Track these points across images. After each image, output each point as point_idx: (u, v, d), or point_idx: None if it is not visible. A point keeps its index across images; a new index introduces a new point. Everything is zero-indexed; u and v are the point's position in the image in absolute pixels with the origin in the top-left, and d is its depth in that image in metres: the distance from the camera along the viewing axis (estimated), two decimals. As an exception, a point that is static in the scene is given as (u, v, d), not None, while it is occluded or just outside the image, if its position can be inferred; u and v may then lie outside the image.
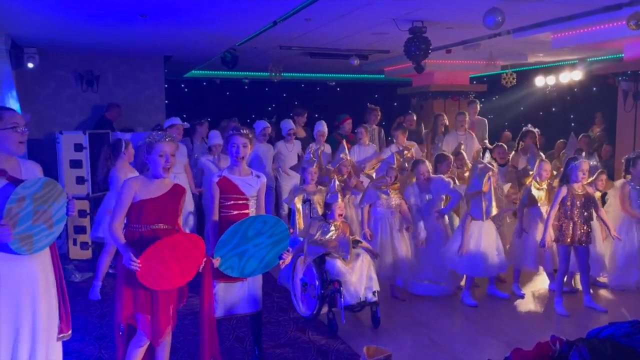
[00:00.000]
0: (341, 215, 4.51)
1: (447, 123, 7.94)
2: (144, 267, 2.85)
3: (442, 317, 4.75)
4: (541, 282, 5.68)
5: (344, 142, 6.14)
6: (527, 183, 5.27)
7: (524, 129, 6.74)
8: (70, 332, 2.95)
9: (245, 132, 3.59)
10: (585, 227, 4.72)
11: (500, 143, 6.49)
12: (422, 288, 5.21)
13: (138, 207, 3.02)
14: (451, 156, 5.75)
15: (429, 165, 5.26)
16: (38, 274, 2.70)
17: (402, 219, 5.10)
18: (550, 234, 4.82)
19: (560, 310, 4.77)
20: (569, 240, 4.71)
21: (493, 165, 5.07)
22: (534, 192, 5.13)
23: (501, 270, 5.15)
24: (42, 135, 7.89)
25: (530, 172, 5.30)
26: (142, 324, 3.06)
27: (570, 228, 4.70)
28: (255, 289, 3.68)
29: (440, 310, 4.89)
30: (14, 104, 6.69)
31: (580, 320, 4.63)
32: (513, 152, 6.75)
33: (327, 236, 4.45)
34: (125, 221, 3.08)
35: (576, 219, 4.69)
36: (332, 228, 4.48)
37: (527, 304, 5.11)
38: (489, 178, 4.87)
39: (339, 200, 4.50)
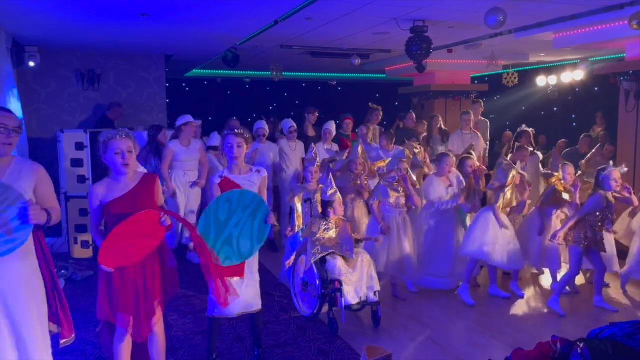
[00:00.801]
0: (341, 210, 4.52)
1: (442, 125, 7.92)
2: (110, 255, 2.85)
3: (443, 317, 4.74)
4: (543, 282, 5.68)
5: (360, 141, 6.15)
6: (553, 183, 5.29)
7: (518, 129, 6.74)
8: (73, 336, 2.94)
9: (239, 132, 3.59)
10: (602, 233, 4.73)
11: (522, 145, 6.48)
12: (429, 281, 5.25)
13: (110, 209, 3.00)
14: (452, 155, 5.73)
15: (453, 160, 5.34)
16: (11, 279, 2.64)
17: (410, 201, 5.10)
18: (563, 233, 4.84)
19: (557, 309, 4.76)
20: (585, 244, 4.70)
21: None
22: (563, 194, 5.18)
23: (512, 267, 5.15)
24: (44, 134, 7.89)
25: (555, 174, 5.32)
26: (121, 322, 3.06)
27: (592, 233, 4.68)
28: (254, 288, 3.67)
29: (441, 310, 4.89)
30: (15, 102, 6.70)
31: (581, 320, 4.62)
32: (510, 153, 6.76)
33: (329, 234, 4.45)
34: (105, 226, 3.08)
35: (600, 225, 4.69)
36: (332, 225, 4.49)
37: (528, 304, 5.10)
38: (514, 175, 5.00)
39: (338, 195, 4.52)
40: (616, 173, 4.65)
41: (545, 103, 11.81)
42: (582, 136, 7.73)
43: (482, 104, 8.20)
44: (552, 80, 10.50)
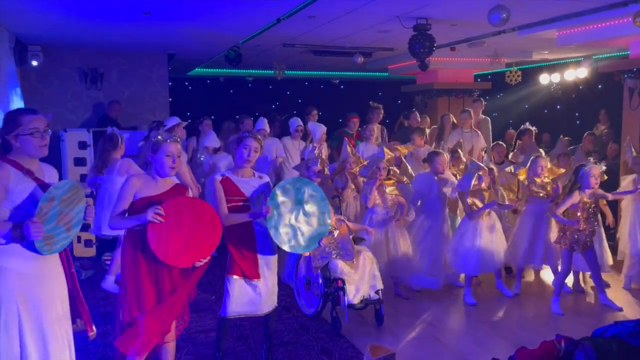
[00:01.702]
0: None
1: (455, 121, 7.93)
2: (162, 223, 2.88)
3: (446, 316, 4.74)
4: (546, 281, 5.66)
5: (346, 140, 6.14)
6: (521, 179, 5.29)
7: (522, 127, 6.73)
8: (95, 330, 2.98)
9: (259, 137, 3.60)
10: (589, 231, 4.69)
11: (499, 142, 6.47)
12: (418, 280, 5.20)
13: (139, 206, 3.01)
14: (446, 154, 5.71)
15: (446, 158, 5.34)
16: (51, 274, 2.72)
17: (399, 209, 5.04)
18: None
19: (555, 309, 4.75)
20: (573, 245, 4.70)
21: (487, 166, 5.10)
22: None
23: (497, 266, 5.13)
24: (46, 133, 7.90)
25: (520, 169, 5.29)
26: (146, 324, 3.01)
27: (576, 234, 4.67)
28: (272, 287, 3.63)
29: (444, 309, 4.88)
30: (18, 102, 6.71)
31: (585, 319, 4.61)
32: (512, 151, 6.75)
33: (332, 237, 4.43)
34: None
35: (583, 226, 4.65)
36: (331, 228, 4.46)
37: (532, 302, 5.09)
38: (479, 177, 4.90)
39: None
40: (596, 170, 4.61)
41: (549, 101, 11.77)
42: (585, 134, 7.71)
43: (483, 102, 8.19)
44: (556, 78, 10.46)
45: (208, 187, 3.63)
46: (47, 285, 2.69)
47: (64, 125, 7.78)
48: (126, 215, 3.03)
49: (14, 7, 5.33)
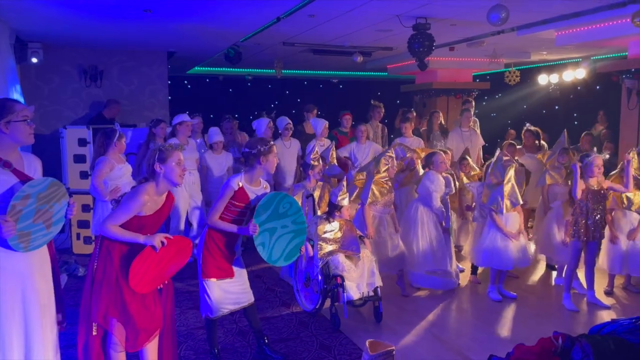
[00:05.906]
0: (348, 214, 4.54)
1: (443, 121, 7.95)
2: (142, 279, 2.89)
3: (445, 312, 4.76)
4: (544, 279, 5.69)
5: (347, 139, 6.13)
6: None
7: (524, 128, 6.76)
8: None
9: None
10: (599, 223, 4.72)
11: (511, 141, 6.49)
12: (424, 281, 5.20)
13: (138, 223, 2.96)
14: (443, 153, 5.68)
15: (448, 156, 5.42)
16: (34, 269, 2.67)
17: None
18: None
19: (569, 305, 4.77)
20: (583, 236, 4.71)
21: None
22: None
23: (523, 264, 5.13)
24: (46, 130, 7.90)
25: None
26: (115, 329, 2.97)
27: (585, 224, 4.69)
28: (243, 284, 3.69)
29: (443, 306, 4.90)
30: (18, 98, 6.71)
31: (583, 317, 4.63)
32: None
33: (334, 234, 4.46)
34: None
35: (592, 215, 4.69)
36: (337, 226, 4.49)
37: (530, 300, 5.11)
38: (511, 170, 4.95)
39: (347, 200, 4.51)
40: (599, 159, 4.66)
41: (547, 101, 11.81)
42: (583, 134, 7.74)
43: (473, 102, 8.26)
44: (554, 78, 10.50)
45: (223, 188, 3.57)
46: (30, 280, 2.65)
47: (64, 122, 7.78)
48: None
49: (14, 3, 5.34)
